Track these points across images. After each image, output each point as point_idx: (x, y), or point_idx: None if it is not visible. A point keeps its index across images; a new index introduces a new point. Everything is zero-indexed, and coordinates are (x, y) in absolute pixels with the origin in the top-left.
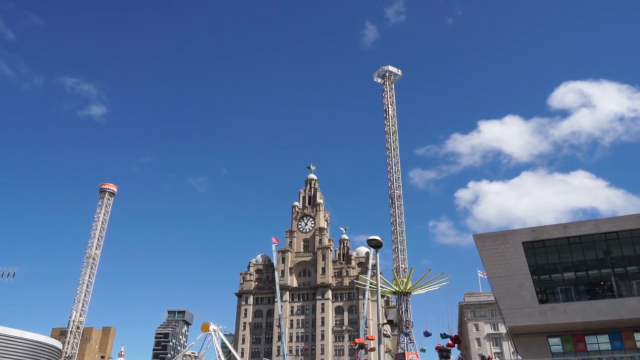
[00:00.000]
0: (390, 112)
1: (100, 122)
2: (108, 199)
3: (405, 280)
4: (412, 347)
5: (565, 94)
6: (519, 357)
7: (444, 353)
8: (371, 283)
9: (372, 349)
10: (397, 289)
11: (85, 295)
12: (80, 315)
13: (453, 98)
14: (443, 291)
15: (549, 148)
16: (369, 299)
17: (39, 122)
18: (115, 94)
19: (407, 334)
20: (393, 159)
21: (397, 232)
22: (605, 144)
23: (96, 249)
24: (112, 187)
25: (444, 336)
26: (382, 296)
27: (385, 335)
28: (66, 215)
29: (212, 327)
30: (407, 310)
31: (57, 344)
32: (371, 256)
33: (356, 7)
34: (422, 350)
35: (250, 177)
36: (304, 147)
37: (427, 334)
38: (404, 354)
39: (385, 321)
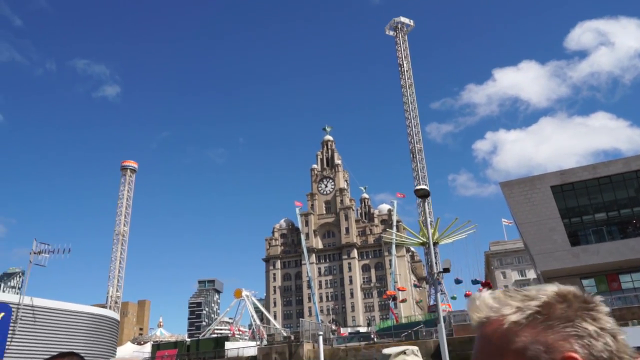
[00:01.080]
0: (405, 65)
1: (115, 102)
2: (130, 175)
3: (432, 230)
4: (443, 298)
5: (582, 34)
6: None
7: None
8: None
9: (404, 300)
10: (425, 240)
11: (119, 271)
12: (117, 291)
13: (465, 48)
14: (470, 239)
15: (567, 91)
16: (395, 254)
17: (55, 106)
18: (127, 73)
19: (438, 282)
20: (412, 113)
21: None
22: (626, 82)
23: (124, 225)
24: (133, 164)
25: (474, 282)
26: (407, 250)
27: (416, 286)
28: (91, 193)
29: (244, 292)
30: (436, 257)
31: (116, 315)
32: (395, 212)
33: None
34: (453, 298)
35: (267, 145)
36: (318, 110)
37: (457, 281)
38: (437, 305)
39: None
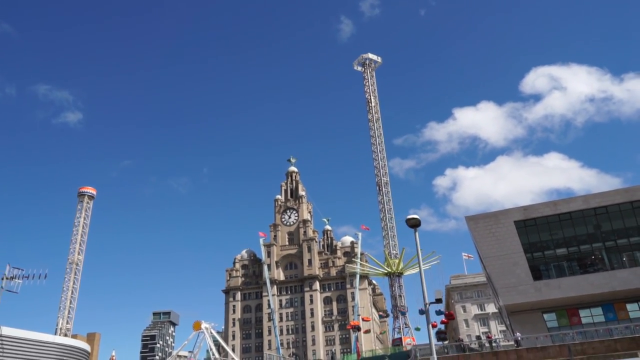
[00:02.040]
0: (372, 100)
1: (76, 129)
2: (87, 202)
3: (397, 261)
4: (407, 331)
5: (536, 78)
6: (517, 334)
7: (441, 335)
8: (363, 267)
9: (367, 331)
10: (390, 270)
11: (70, 302)
12: (67, 322)
13: (428, 88)
14: (433, 271)
15: (522, 132)
16: (358, 286)
17: (13, 131)
18: (90, 100)
19: (403, 313)
20: (378, 147)
21: (386, 219)
22: (578, 125)
23: (78, 254)
24: (90, 190)
25: (439, 313)
26: (369, 283)
27: (381, 317)
28: (46, 222)
29: (204, 325)
30: (400, 289)
31: (86, 346)
32: (360, 244)
33: (331, 2)
34: (417, 329)
35: (231, 175)
36: (283, 140)
37: (422, 312)
38: (400, 338)
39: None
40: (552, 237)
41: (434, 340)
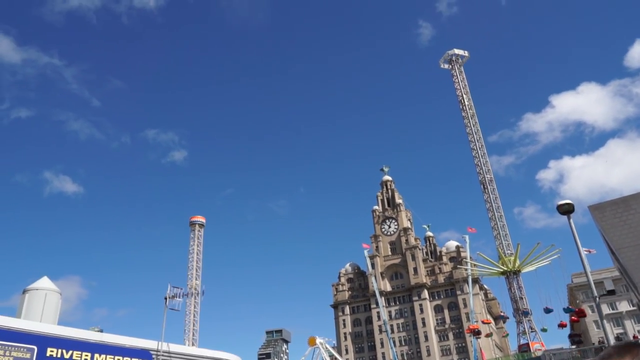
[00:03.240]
0: (464, 95)
1: (182, 166)
2: (199, 230)
3: (512, 258)
4: (534, 336)
5: None
6: None
7: (575, 338)
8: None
9: (489, 334)
10: (506, 269)
11: (193, 325)
12: (193, 344)
13: (518, 78)
14: (553, 267)
15: (635, 110)
16: (471, 291)
17: (131, 173)
18: (193, 138)
19: (526, 313)
20: (477, 144)
21: (495, 217)
22: None
23: (196, 279)
24: (201, 219)
25: (567, 310)
26: (481, 288)
27: (502, 317)
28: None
29: (318, 340)
30: (520, 290)
31: (237, 359)
32: (468, 246)
33: (407, 8)
34: (544, 330)
35: (327, 191)
36: (375, 151)
37: (548, 311)
38: (528, 344)
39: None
40: None
41: (566, 344)
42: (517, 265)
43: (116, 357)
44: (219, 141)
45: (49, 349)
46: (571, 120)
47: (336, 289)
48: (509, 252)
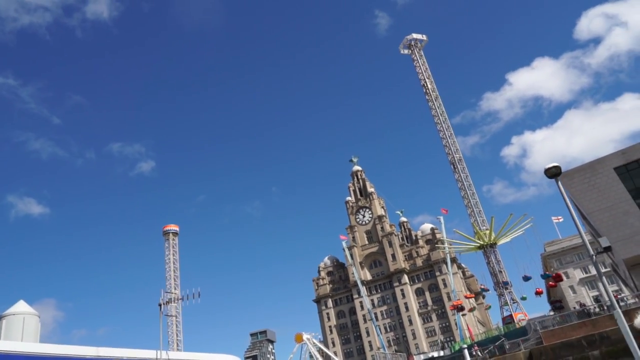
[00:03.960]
0: (426, 78)
1: (151, 176)
2: (173, 239)
3: (488, 232)
4: (516, 307)
5: (590, 21)
6: None
7: (556, 304)
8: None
9: (472, 309)
10: (483, 242)
11: (177, 335)
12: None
13: (474, 60)
14: (527, 236)
15: (588, 80)
16: (450, 270)
17: (100, 188)
18: (159, 148)
19: (506, 283)
20: (443, 124)
21: (468, 196)
22: None
23: (175, 288)
24: (174, 228)
25: (544, 276)
26: (459, 267)
27: (483, 290)
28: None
29: (305, 336)
30: (498, 263)
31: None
32: (443, 227)
33: None
34: (523, 299)
35: (298, 187)
36: (342, 143)
37: (526, 278)
38: (511, 315)
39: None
40: None
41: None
42: (492, 238)
43: None
44: (187, 149)
45: None
46: (529, 95)
47: (317, 283)
48: (484, 227)
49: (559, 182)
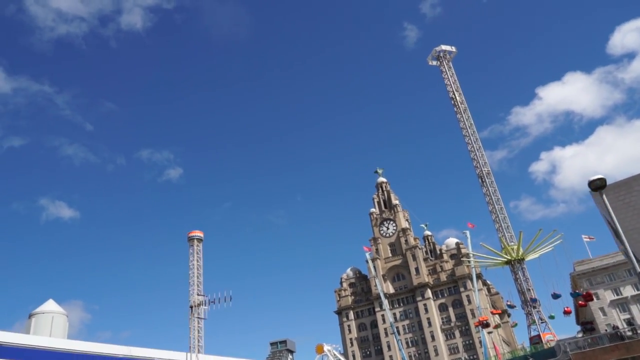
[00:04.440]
0: (455, 90)
1: (179, 184)
2: (197, 245)
3: (516, 247)
4: (545, 327)
5: (624, 36)
6: None
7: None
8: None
9: (497, 326)
10: (510, 257)
11: (198, 341)
12: None
13: (503, 73)
14: (556, 253)
15: (621, 96)
16: (476, 288)
17: (129, 194)
18: (187, 155)
19: (534, 300)
20: (472, 137)
21: (496, 210)
22: None
23: (197, 294)
24: (199, 234)
25: (574, 294)
26: (484, 283)
27: (510, 307)
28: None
29: (326, 347)
30: (526, 280)
31: None
32: (469, 241)
33: (392, 11)
34: (551, 317)
35: (323, 196)
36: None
37: (555, 296)
38: (539, 335)
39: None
40: None
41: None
42: (520, 253)
43: None
44: (213, 156)
45: None
46: (559, 110)
47: (339, 294)
48: (512, 243)
49: (604, 196)
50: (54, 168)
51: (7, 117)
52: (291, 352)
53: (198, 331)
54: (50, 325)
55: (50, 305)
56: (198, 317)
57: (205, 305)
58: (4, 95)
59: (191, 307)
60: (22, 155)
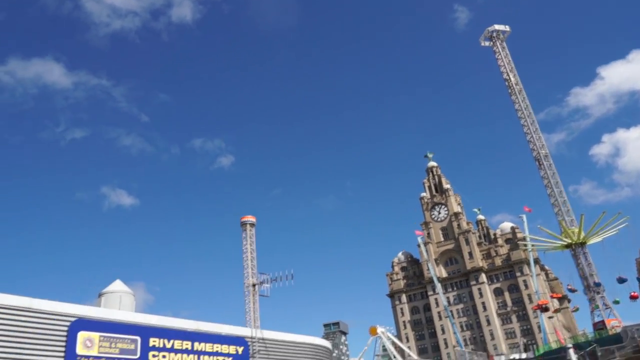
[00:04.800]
0: (508, 71)
1: (230, 171)
2: (250, 229)
3: (576, 230)
4: (609, 313)
5: None
6: None
7: None
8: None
9: (557, 310)
10: (571, 241)
11: (255, 322)
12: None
13: (561, 52)
14: (621, 237)
15: None
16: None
17: (184, 182)
18: (238, 142)
19: (598, 284)
20: (528, 119)
21: (554, 194)
22: None
23: (252, 277)
24: (251, 219)
25: None
26: (542, 268)
27: (571, 291)
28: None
29: (379, 329)
30: (589, 265)
31: (328, 344)
32: (526, 226)
33: None
34: (616, 302)
35: (373, 181)
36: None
37: (621, 280)
38: (603, 321)
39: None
40: None
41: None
42: (582, 236)
43: (215, 345)
44: (264, 143)
45: (151, 339)
46: (623, 90)
47: (391, 278)
48: (573, 227)
49: None
50: (113, 158)
51: (69, 110)
52: (344, 333)
53: (254, 313)
54: (118, 303)
55: (117, 285)
56: (261, 295)
57: (267, 283)
58: (65, 90)
59: (250, 285)
60: (84, 146)
